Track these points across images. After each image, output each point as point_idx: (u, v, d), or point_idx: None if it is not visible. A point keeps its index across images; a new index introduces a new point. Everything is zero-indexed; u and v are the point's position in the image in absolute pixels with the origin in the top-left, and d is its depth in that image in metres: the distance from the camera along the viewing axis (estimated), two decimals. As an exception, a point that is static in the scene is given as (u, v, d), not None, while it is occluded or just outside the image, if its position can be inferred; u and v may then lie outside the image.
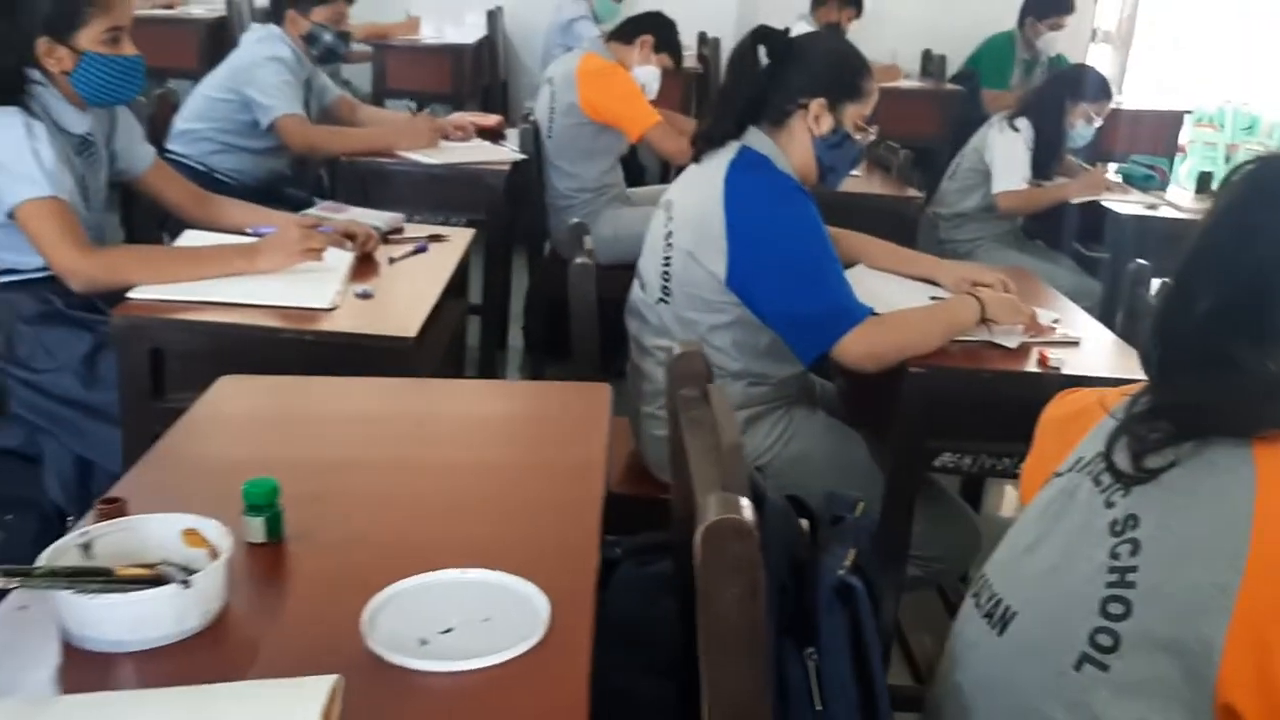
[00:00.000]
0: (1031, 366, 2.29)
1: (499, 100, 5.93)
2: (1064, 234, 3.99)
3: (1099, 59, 6.46)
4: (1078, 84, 3.85)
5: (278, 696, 1.02)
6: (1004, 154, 3.83)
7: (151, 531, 1.24)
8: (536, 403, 1.86)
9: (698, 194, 2.32)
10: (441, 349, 2.54)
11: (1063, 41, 5.61)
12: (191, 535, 1.24)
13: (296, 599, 1.24)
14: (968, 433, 2.28)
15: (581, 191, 3.88)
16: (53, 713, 1.01)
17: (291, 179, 3.84)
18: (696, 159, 2.41)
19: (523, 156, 3.77)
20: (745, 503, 1.06)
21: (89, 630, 1.13)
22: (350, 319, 2.16)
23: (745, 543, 1.03)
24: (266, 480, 1.31)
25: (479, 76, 5.76)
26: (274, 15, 3.67)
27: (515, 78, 6.23)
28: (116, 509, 1.28)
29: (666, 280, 2.35)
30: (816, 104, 2.29)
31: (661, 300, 2.35)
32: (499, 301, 3.97)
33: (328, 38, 3.69)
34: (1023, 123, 3.85)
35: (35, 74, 2.30)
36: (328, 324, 2.13)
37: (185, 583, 1.14)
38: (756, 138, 2.31)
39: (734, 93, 2.37)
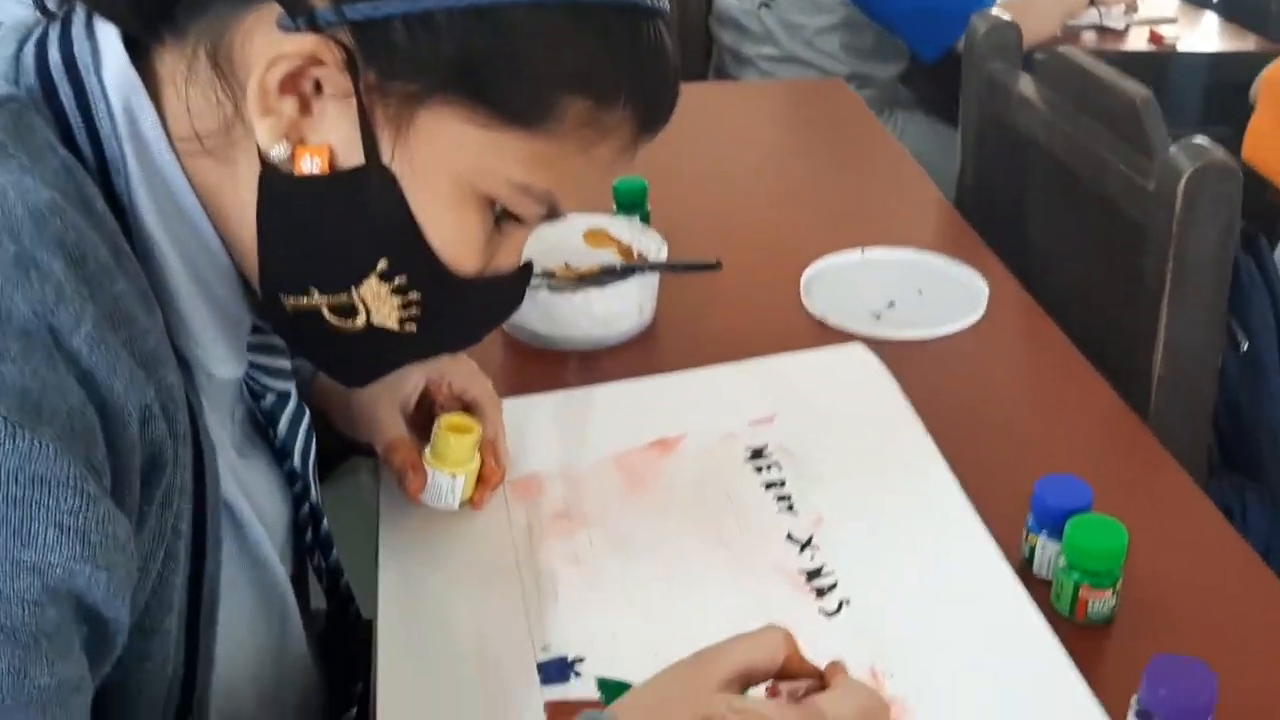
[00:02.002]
0: (1143, 45, 2.36)
1: None
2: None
3: None
4: None
5: (832, 359, 1.05)
6: None
7: (546, 236, 1.21)
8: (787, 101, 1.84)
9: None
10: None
11: None
12: (595, 236, 1.22)
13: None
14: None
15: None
16: (627, 391, 1.04)
17: None
18: None
19: None
20: (1216, 145, 1.09)
21: (562, 329, 1.12)
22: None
23: (1229, 183, 1.07)
24: (636, 180, 1.29)
25: None
26: None
27: None
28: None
29: (771, -14, 2.29)
30: None
31: (764, 5, 2.30)
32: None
33: None
34: None
35: None
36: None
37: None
38: None
39: None
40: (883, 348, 1.10)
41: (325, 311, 0.68)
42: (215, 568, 0.70)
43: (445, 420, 0.88)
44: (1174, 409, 1.16)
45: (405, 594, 0.84)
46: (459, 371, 0.94)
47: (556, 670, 0.77)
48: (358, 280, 0.67)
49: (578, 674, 0.77)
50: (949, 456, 0.94)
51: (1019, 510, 0.88)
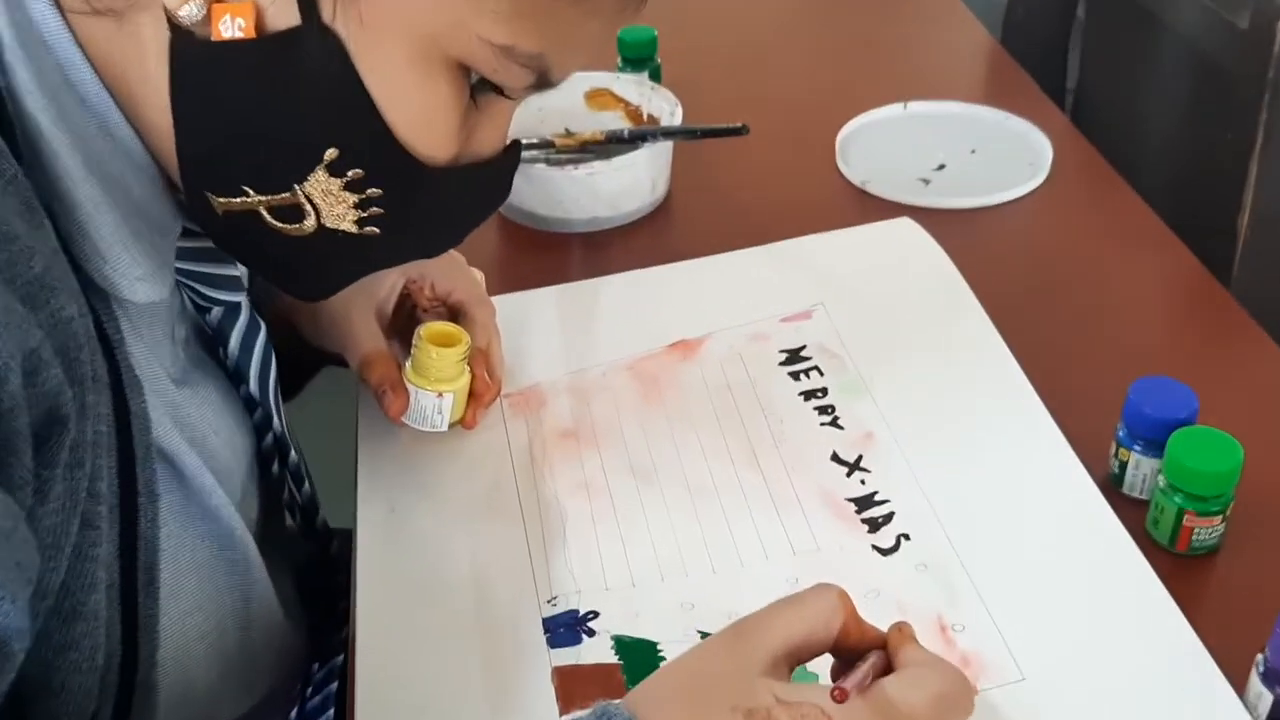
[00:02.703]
0: None
1: None
2: None
3: None
4: None
5: (875, 239, 0.91)
6: None
7: (540, 98, 1.05)
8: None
9: None
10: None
11: None
12: (598, 97, 1.07)
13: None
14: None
15: None
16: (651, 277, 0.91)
17: None
18: None
19: None
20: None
21: (563, 209, 0.98)
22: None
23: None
24: (644, 30, 1.13)
25: None
26: None
27: None
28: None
29: None
30: None
31: None
32: None
33: None
34: None
35: None
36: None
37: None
38: None
39: None
40: (933, 219, 0.95)
41: (265, 214, 0.55)
42: (152, 528, 0.58)
43: (427, 331, 0.75)
44: (1260, 276, 1.03)
45: (387, 535, 0.72)
46: (442, 270, 0.81)
47: (566, 629, 0.65)
48: (301, 175, 0.53)
49: (590, 632, 0.65)
50: (1015, 351, 0.81)
51: (1099, 414, 0.75)
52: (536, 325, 0.87)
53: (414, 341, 0.75)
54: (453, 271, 0.81)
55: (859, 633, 0.54)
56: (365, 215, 0.55)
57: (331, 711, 0.79)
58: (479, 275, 0.89)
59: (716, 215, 1.02)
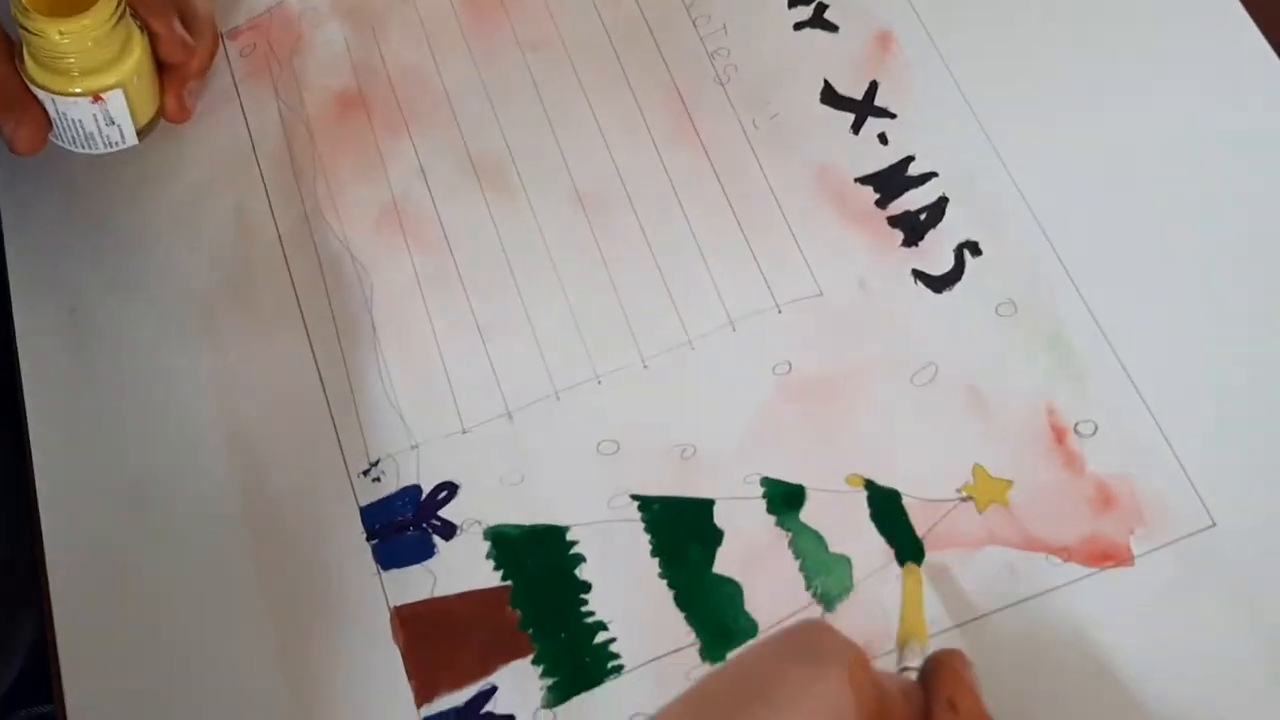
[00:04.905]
0: None
1: None
2: None
3: None
4: None
5: None
6: None
7: None
8: None
9: None
10: None
11: None
12: None
13: None
14: None
15: None
16: None
17: None
18: None
19: None
20: None
21: None
22: None
23: None
24: None
25: None
26: None
27: None
28: None
29: None
30: None
31: None
32: None
33: None
34: None
35: None
36: None
37: None
38: None
39: None
40: None
41: None
42: None
43: None
44: None
45: (70, 362, 0.41)
46: None
47: (408, 529, 0.37)
48: None
49: (447, 529, 0.37)
50: None
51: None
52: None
53: (13, 10, 0.38)
54: None
55: (881, 715, 0.27)
56: None
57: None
58: None
59: None
